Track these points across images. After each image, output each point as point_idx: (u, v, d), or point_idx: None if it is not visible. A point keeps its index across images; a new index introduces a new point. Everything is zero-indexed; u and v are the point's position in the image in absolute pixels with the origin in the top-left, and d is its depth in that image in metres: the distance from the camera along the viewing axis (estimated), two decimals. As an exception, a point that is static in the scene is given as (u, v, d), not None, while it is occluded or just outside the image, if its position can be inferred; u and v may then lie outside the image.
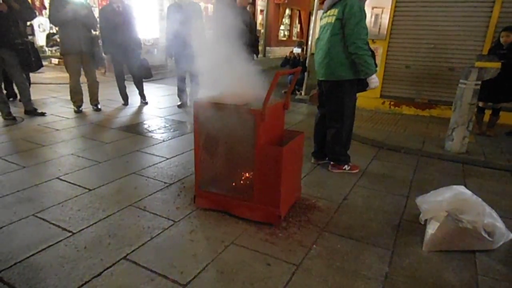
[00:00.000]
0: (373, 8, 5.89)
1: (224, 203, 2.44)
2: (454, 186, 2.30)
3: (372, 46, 5.99)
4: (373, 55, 3.08)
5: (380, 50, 6.05)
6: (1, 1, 4.23)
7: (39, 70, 5.23)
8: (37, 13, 11.07)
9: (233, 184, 2.38)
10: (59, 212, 2.42)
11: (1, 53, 4.43)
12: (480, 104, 4.82)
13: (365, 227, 2.41)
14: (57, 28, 6.27)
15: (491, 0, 5.33)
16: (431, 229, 2.17)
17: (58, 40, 5.77)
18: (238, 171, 2.34)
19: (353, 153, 3.97)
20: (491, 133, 4.91)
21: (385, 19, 5.92)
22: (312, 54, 6.90)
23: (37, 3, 10.99)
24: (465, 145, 4.09)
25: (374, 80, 3.05)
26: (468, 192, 2.24)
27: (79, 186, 2.83)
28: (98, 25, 5.47)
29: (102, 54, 5.71)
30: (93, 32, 5.29)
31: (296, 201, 2.67)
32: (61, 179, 2.94)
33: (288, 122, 5.12)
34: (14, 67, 4.62)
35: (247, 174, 2.32)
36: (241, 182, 2.36)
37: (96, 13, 6.21)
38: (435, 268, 2.02)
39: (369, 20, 5.97)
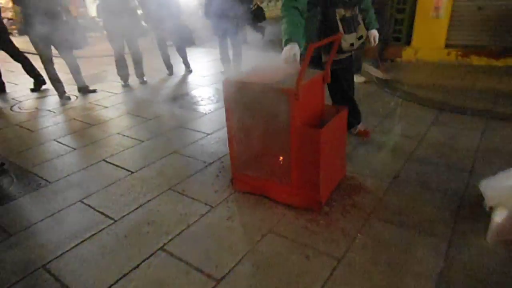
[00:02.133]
0: None
1: (262, 187, 2.32)
2: (532, 166, 1.93)
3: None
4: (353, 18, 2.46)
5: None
6: None
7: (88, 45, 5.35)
8: None
9: (271, 166, 2.23)
10: (103, 197, 2.49)
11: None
12: None
13: (418, 211, 2.16)
14: None
15: None
16: (498, 217, 1.86)
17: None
18: (276, 153, 2.18)
19: (409, 117, 3.60)
20: None
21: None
22: None
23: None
24: (549, 102, 3.47)
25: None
26: (550, 174, 1.87)
27: (122, 168, 2.89)
28: None
29: (142, 23, 5.67)
30: (133, 2, 5.22)
31: (340, 181, 2.47)
32: (107, 161, 3.03)
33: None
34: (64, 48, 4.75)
35: (284, 157, 2.16)
36: (279, 164, 2.20)
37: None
38: (501, 263, 1.74)
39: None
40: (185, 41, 5.84)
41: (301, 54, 2.12)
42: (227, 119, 2.26)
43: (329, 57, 2.24)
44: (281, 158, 2.16)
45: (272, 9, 9.35)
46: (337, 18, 2.38)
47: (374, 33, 2.75)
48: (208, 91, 4.93)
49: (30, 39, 4.44)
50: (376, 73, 4.95)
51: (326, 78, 2.25)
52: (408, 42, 5.83)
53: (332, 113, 2.25)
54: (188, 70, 6.06)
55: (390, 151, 2.95)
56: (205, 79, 5.59)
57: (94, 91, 5.19)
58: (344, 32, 2.40)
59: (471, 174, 2.54)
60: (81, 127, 3.86)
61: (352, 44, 2.51)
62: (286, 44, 2.10)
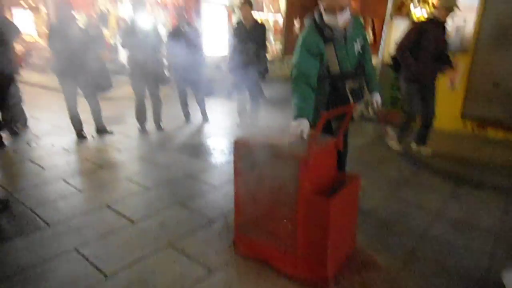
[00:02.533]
0: (453, 18, 5.20)
1: (265, 253, 2.19)
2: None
3: (451, 59, 5.32)
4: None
5: (461, 65, 5.31)
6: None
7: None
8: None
9: (276, 233, 2.12)
10: (99, 247, 2.39)
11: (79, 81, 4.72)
12: None
13: (433, 298, 1.98)
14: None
15: None
16: (526, 316, 1.67)
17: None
18: (282, 219, 2.07)
19: (425, 188, 3.49)
20: None
21: (469, 30, 5.17)
22: (388, 66, 6.09)
23: (122, 25, 12.00)
24: None
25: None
26: None
27: (124, 216, 2.81)
28: (166, 47, 5.67)
29: (166, 72, 5.88)
30: (159, 54, 5.48)
31: (350, 255, 2.31)
32: (110, 207, 2.96)
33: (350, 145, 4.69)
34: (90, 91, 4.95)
35: (291, 224, 2.05)
36: (285, 232, 2.08)
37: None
38: None
39: (449, 30, 5.30)
40: (205, 92, 5.98)
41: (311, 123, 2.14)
42: (236, 179, 2.20)
43: (342, 125, 2.21)
44: (287, 225, 2.05)
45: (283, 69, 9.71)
46: (347, 90, 2.40)
47: (377, 96, 2.67)
48: (221, 142, 4.95)
49: (58, 79, 4.65)
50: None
51: (338, 145, 2.21)
52: (425, 109, 5.83)
53: (343, 181, 2.17)
54: (206, 120, 6.14)
55: (405, 225, 2.79)
56: (220, 130, 5.64)
57: (110, 132, 5.27)
58: (354, 103, 2.41)
59: (492, 258, 2.36)
60: (91, 168, 3.86)
61: (362, 113, 2.52)
62: (295, 119, 2.12)
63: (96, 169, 3.84)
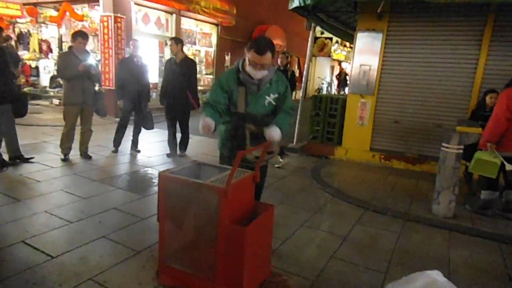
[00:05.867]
0: (361, 65, 6.05)
1: (188, 282, 2.32)
2: (427, 272, 2.18)
3: (361, 100, 6.14)
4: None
5: (368, 105, 6.14)
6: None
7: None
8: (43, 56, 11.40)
9: (198, 262, 2.27)
10: (15, 284, 2.29)
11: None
12: (468, 164, 4.77)
13: (335, 312, 2.27)
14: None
15: (474, 63, 5.47)
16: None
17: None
18: (204, 249, 2.24)
19: (337, 215, 3.89)
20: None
21: (373, 76, 6.04)
22: (313, 96, 6.68)
23: (44, 47, 11.37)
24: (452, 209, 3.99)
25: None
26: (441, 280, 2.12)
27: (42, 252, 2.72)
28: (117, 75, 5.69)
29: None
30: (97, 86, 5.43)
31: (265, 277, 2.54)
32: (26, 243, 2.84)
33: (273, 175, 5.05)
34: (10, 118, 4.71)
35: (212, 253, 2.22)
36: (206, 260, 2.24)
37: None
38: None
39: (357, 75, 6.13)
40: (147, 125, 5.96)
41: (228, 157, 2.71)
42: (160, 211, 2.33)
43: (260, 160, 2.50)
44: (208, 252, 2.22)
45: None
46: (247, 132, 2.65)
47: (271, 130, 2.56)
48: (150, 172, 4.97)
49: None
50: None
51: (256, 178, 2.47)
52: (340, 142, 6.54)
53: (260, 211, 2.43)
54: (136, 150, 6.06)
55: (316, 248, 3.13)
56: (149, 160, 5.64)
57: (29, 160, 4.96)
58: (250, 145, 2.63)
59: (386, 276, 2.76)
60: (5, 202, 3.61)
61: (257, 157, 2.60)
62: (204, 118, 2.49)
63: (12, 203, 3.60)
